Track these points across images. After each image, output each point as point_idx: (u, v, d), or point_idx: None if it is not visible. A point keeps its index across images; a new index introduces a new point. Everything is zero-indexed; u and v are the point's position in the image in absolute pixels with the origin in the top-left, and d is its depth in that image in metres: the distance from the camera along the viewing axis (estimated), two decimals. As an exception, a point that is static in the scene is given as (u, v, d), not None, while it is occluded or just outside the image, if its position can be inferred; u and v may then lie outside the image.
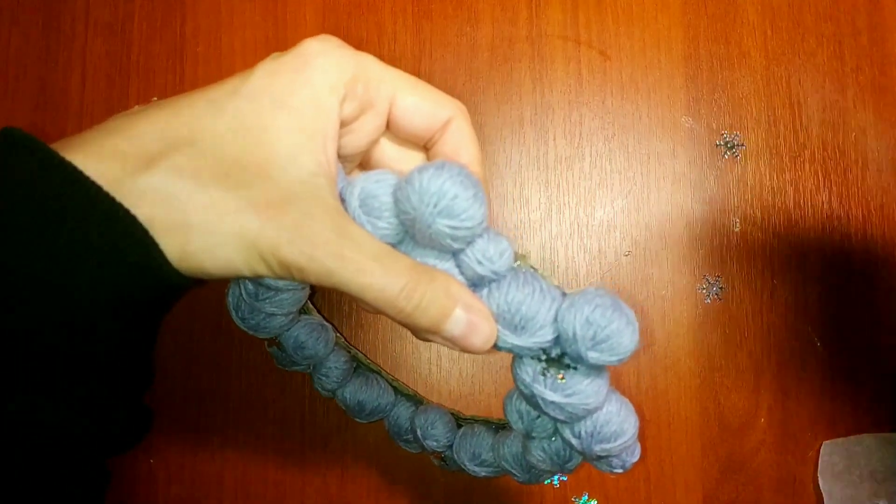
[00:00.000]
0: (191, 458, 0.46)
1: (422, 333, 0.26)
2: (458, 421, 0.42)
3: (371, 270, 0.24)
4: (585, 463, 0.29)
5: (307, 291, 0.40)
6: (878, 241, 0.46)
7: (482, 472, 0.39)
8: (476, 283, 0.26)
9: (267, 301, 0.37)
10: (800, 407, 0.45)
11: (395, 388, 0.44)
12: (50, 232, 0.22)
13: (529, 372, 0.26)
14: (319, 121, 0.25)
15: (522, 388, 0.26)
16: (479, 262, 0.25)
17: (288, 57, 0.26)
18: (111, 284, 0.23)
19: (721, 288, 0.46)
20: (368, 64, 0.27)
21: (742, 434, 0.45)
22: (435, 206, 0.24)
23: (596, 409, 0.26)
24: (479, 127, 0.47)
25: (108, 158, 0.23)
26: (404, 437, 0.43)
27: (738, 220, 0.46)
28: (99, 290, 0.23)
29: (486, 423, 0.41)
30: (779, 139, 0.47)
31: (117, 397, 0.27)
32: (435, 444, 0.41)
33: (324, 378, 0.43)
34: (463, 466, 0.39)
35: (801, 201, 0.47)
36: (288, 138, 0.24)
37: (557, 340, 0.25)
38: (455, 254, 0.26)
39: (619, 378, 0.41)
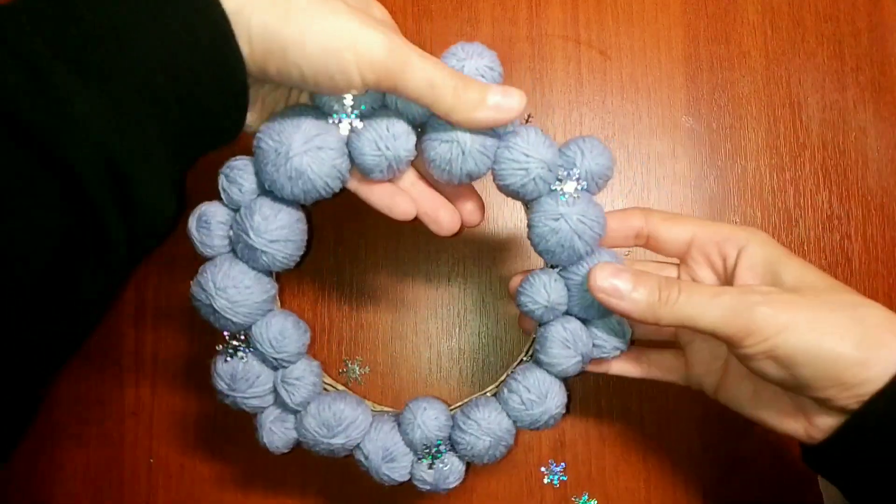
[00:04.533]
0: (191, 458, 0.46)
1: (470, 113, 0.31)
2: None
3: (436, 68, 0.30)
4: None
5: (275, 288, 0.36)
6: (878, 241, 0.46)
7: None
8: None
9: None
10: (800, 407, 0.45)
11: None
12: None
13: (552, 204, 0.33)
14: None
15: (550, 224, 0.33)
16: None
17: None
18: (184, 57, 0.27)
19: (721, 288, 0.46)
20: None
21: (742, 434, 0.45)
22: None
23: (603, 229, 0.34)
24: (479, 127, 0.47)
25: None
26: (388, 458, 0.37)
27: (738, 220, 0.46)
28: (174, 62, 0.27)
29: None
30: (779, 139, 0.47)
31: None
32: (434, 425, 0.37)
33: (290, 389, 0.36)
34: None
35: (801, 201, 0.47)
36: None
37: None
38: None
39: (619, 377, 0.41)
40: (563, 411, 0.37)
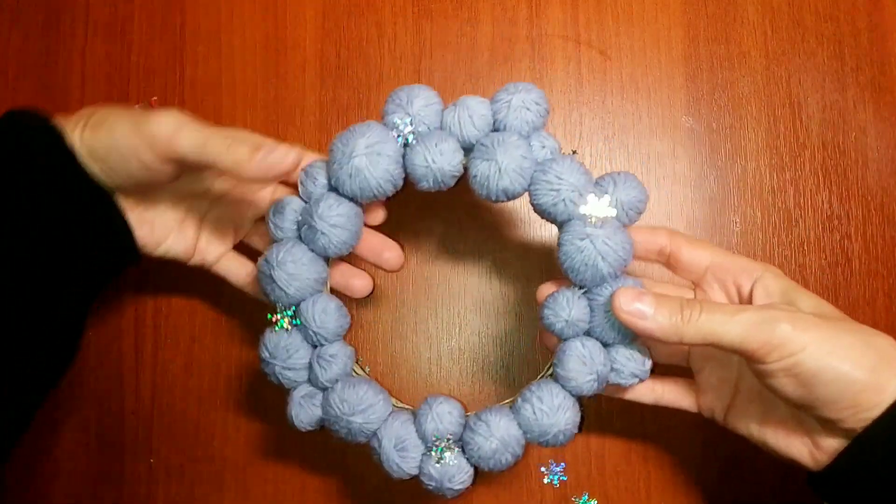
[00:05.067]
0: (191, 458, 0.46)
1: (240, 168, 0.35)
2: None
3: (208, 133, 0.36)
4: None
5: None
6: (878, 241, 0.46)
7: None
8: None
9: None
10: (800, 407, 0.45)
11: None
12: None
13: (580, 225, 0.36)
14: None
15: (577, 243, 0.35)
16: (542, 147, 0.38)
17: None
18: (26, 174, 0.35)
19: (721, 288, 0.46)
20: None
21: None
22: None
23: (628, 256, 0.36)
24: (479, 127, 0.47)
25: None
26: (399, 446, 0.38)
27: (738, 220, 0.46)
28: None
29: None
30: (779, 139, 0.47)
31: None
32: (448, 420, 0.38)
33: (324, 365, 0.38)
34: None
35: (801, 201, 0.47)
36: None
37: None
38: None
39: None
40: (575, 430, 0.37)
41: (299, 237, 0.39)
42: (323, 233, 0.37)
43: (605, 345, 0.37)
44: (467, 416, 0.39)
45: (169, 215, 0.40)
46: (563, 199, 0.36)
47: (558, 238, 0.37)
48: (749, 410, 0.37)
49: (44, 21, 0.50)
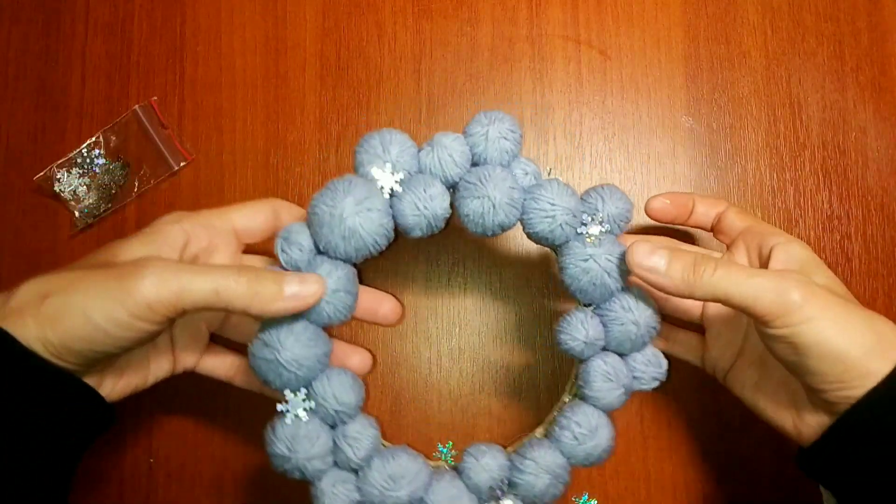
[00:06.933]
0: (191, 458, 0.46)
1: (268, 306, 0.33)
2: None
3: (217, 275, 0.32)
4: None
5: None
6: (878, 241, 0.46)
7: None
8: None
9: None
10: (800, 407, 0.45)
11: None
12: None
13: (579, 246, 0.36)
14: None
15: (580, 265, 0.36)
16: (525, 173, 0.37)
17: None
18: None
19: (721, 288, 0.46)
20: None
21: (742, 434, 0.45)
22: None
23: (625, 269, 0.36)
24: (479, 127, 0.47)
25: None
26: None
27: (738, 219, 0.46)
28: None
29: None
30: (779, 139, 0.47)
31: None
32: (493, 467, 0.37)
33: (353, 444, 0.36)
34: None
35: (801, 201, 0.47)
36: None
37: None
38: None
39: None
40: (614, 444, 0.38)
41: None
42: (327, 301, 0.34)
43: (621, 355, 0.38)
44: (509, 454, 0.38)
45: (137, 354, 0.37)
46: (560, 224, 0.36)
47: (558, 262, 0.37)
48: (747, 374, 0.38)
49: (44, 21, 0.50)
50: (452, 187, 0.37)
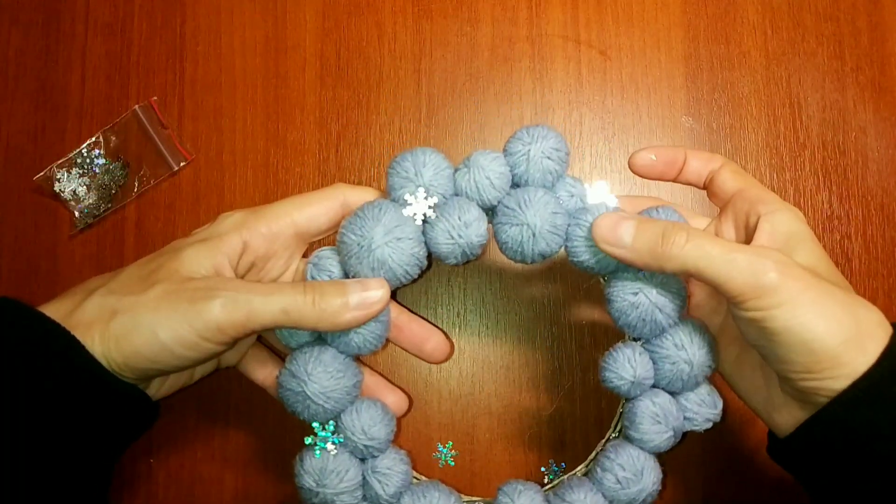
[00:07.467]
0: (191, 458, 0.46)
1: (336, 320, 0.33)
2: None
3: (283, 294, 0.33)
4: None
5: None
6: (878, 241, 0.46)
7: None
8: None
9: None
10: (800, 407, 0.45)
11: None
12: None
13: (630, 277, 0.34)
14: None
15: (630, 298, 0.34)
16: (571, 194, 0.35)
17: None
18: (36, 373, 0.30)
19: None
20: None
21: (742, 434, 0.45)
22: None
23: (684, 300, 0.34)
24: (479, 127, 0.47)
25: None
26: None
27: (738, 220, 0.46)
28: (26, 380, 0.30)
29: None
30: (779, 139, 0.47)
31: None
32: None
33: (383, 480, 0.35)
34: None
35: (801, 201, 0.47)
36: None
37: None
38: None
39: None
40: (660, 487, 0.36)
41: (319, 337, 0.35)
42: (357, 332, 0.34)
43: (672, 394, 0.35)
44: (546, 496, 0.37)
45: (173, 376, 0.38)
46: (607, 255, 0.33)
47: (606, 292, 0.35)
48: (728, 350, 0.37)
49: (44, 21, 0.50)
50: (491, 210, 0.35)
